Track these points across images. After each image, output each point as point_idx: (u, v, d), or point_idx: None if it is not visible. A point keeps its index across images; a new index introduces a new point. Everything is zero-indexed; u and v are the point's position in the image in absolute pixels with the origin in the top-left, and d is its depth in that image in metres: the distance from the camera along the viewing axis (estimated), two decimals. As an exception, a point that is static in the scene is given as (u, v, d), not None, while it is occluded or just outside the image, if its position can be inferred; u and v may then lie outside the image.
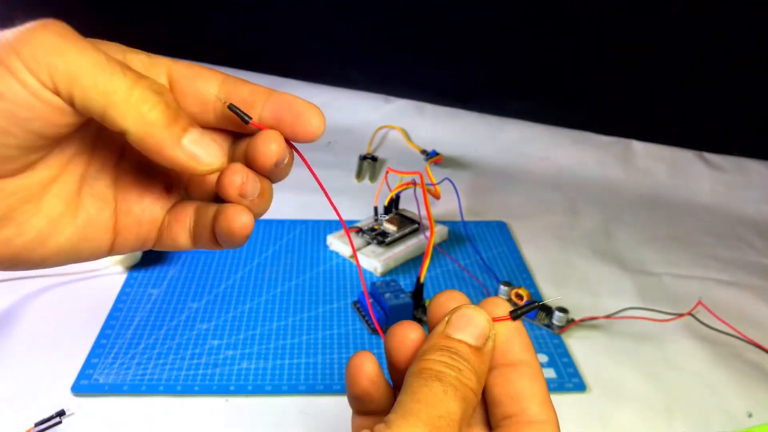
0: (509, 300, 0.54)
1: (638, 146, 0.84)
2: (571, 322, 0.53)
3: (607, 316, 0.53)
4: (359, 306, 0.54)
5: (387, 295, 0.51)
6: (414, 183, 0.58)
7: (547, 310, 0.53)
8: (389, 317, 0.50)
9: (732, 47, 0.82)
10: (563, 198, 0.76)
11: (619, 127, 0.87)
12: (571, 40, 0.91)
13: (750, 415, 0.45)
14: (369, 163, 0.80)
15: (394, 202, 0.62)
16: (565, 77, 0.93)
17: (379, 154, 0.84)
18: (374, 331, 0.51)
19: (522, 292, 0.54)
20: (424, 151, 0.85)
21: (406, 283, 0.57)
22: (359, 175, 0.78)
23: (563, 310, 0.53)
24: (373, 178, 0.78)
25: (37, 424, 0.41)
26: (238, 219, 0.25)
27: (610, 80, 0.91)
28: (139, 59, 0.25)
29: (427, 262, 0.51)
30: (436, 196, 0.59)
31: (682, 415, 0.45)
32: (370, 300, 0.52)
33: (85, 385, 0.45)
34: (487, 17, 0.94)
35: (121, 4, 1.20)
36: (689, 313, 0.52)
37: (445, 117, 0.93)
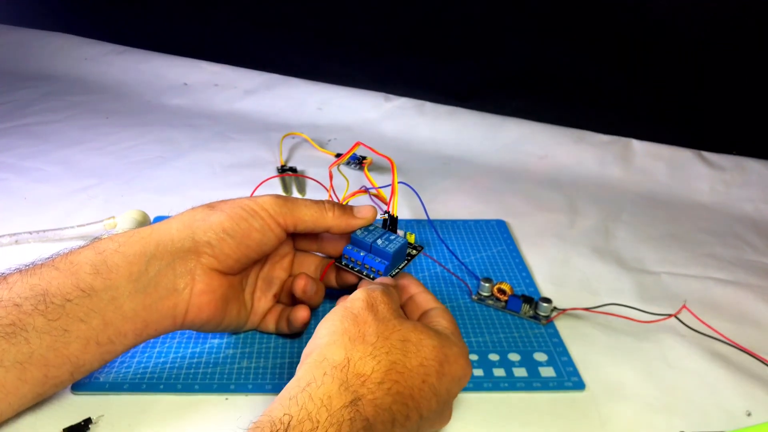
0: (491, 295, 0.55)
1: (637, 145, 0.85)
2: (555, 312, 0.53)
3: (587, 309, 0.54)
4: (345, 263, 0.49)
5: (379, 242, 0.47)
6: (365, 189, 0.55)
7: (531, 302, 0.53)
8: (393, 263, 0.48)
9: (732, 46, 0.82)
10: (562, 196, 0.76)
11: (618, 125, 0.87)
12: (570, 38, 0.91)
13: (749, 414, 0.45)
14: (289, 178, 0.76)
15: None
16: (565, 76, 0.93)
17: (290, 164, 0.80)
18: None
19: (504, 286, 0.54)
20: (338, 155, 0.79)
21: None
22: (286, 190, 0.73)
23: (547, 300, 0.53)
24: (301, 190, 0.73)
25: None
26: (300, 313, 0.47)
27: (610, 79, 0.91)
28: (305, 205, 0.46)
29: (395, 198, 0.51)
30: (384, 200, 0.54)
31: (681, 414, 0.45)
32: (362, 253, 0.47)
33: (85, 384, 0.45)
34: (487, 16, 0.94)
35: (121, 3, 1.20)
36: (674, 316, 0.52)
37: (444, 115, 0.93)
